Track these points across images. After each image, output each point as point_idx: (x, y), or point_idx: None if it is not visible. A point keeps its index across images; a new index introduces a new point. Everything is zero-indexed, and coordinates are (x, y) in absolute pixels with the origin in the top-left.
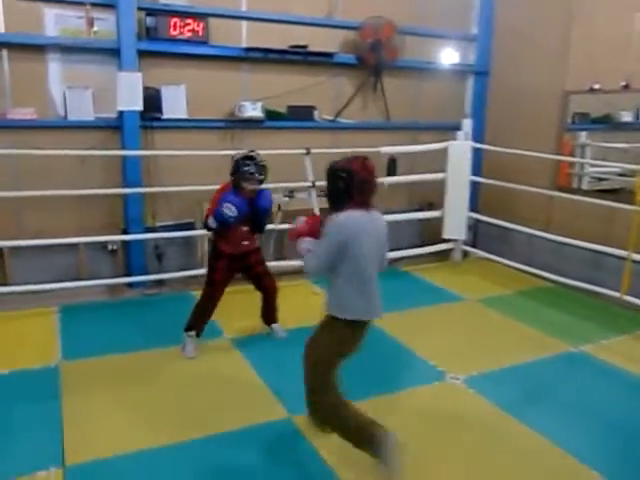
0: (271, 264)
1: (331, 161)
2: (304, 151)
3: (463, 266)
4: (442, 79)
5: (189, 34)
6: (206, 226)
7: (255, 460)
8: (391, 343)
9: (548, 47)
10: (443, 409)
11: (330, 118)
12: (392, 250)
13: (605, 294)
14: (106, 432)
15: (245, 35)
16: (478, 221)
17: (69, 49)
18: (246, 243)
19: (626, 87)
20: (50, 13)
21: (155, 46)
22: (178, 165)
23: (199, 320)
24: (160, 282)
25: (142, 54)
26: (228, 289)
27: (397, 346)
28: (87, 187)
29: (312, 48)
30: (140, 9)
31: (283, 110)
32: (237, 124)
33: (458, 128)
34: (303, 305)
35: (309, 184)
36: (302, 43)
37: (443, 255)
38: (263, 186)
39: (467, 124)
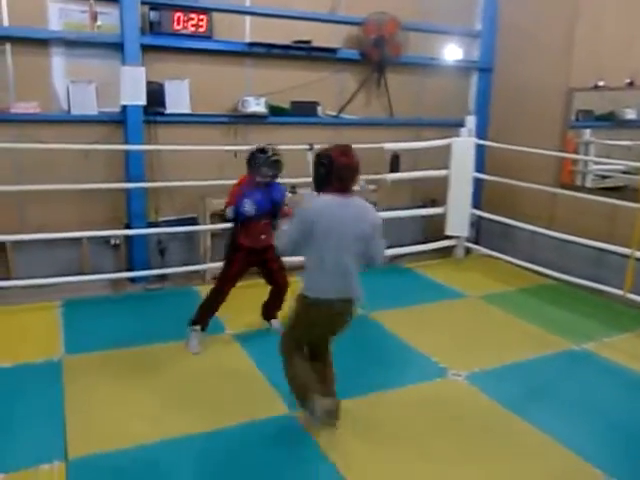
0: None
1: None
2: (307, 147)
3: (465, 263)
4: (446, 75)
5: (192, 29)
6: (225, 218)
7: (256, 455)
8: (393, 339)
9: (552, 44)
10: (445, 406)
11: (333, 114)
12: (395, 246)
13: (608, 292)
14: (109, 426)
15: (249, 30)
16: (481, 218)
17: (72, 43)
18: (264, 237)
19: (631, 84)
20: (54, 7)
21: (158, 41)
22: (181, 160)
23: (205, 314)
24: (162, 277)
25: (145, 48)
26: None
27: (399, 342)
28: (90, 181)
29: (315, 43)
30: (144, 3)
31: (286, 106)
32: (240, 119)
33: (461, 125)
34: None
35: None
36: (305, 38)
37: (446, 252)
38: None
39: (471, 121)
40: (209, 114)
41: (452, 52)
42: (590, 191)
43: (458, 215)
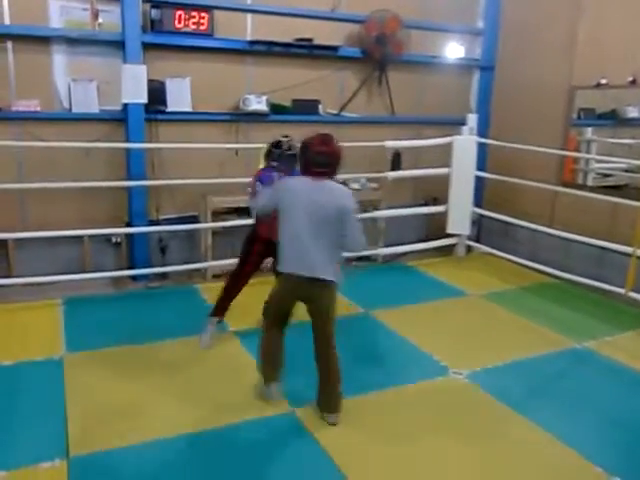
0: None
1: None
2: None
3: (467, 261)
4: (447, 73)
5: (194, 27)
6: (251, 212)
7: (257, 453)
8: (394, 338)
9: (555, 42)
10: (446, 404)
11: (335, 112)
12: (396, 245)
13: (610, 290)
14: (110, 423)
15: (250, 28)
16: (482, 216)
17: (74, 41)
18: None
19: (633, 82)
20: (55, 5)
21: (160, 39)
22: (182, 158)
23: (222, 304)
24: (164, 275)
25: (147, 47)
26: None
27: (400, 341)
28: (91, 179)
29: (317, 41)
30: (145, 1)
31: (288, 104)
32: (242, 117)
33: (463, 123)
34: None
35: None
36: (307, 36)
37: (447, 250)
38: None
39: (472, 119)
40: (210, 112)
41: (454, 50)
42: (592, 189)
43: (459, 213)
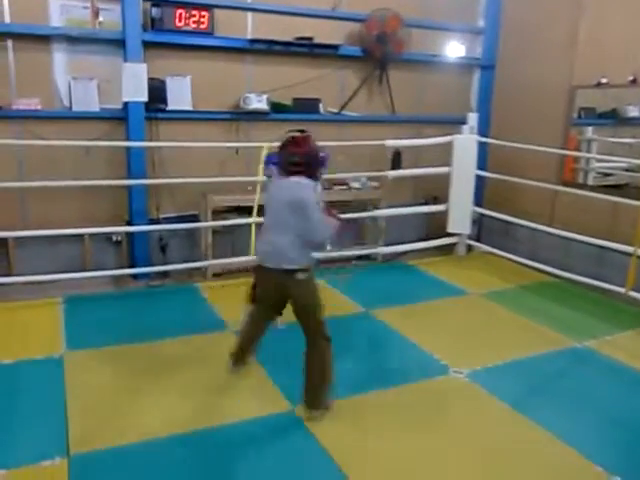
0: None
1: None
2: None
3: (467, 260)
4: (448, 72)
5: (194, 25)
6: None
7: (257, 452)
8: (395, 337)
9: (555, 41)
10: (446, 403)
11: (335, 111)
12: (397, 244)
13: (610, 289)
14: (110, 421)
15: (250, 27)
16: (482, 215)
17: (74, 40)
18: None
19: (634, 82)
20: (55, 3)
21: (160, 37)
22: (182, 157)
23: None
24: (164, 274)
25: (147, 45)
26: (224, 282)
27: (400, 340)
28: (92, 178)
29: (317, 40)
30: (145, 0)
31: (288, 102)
32: (242, 116)
33: (463, 122)
34: None
35: None
36: (307, 35)
37: (447, 249)
38: None
39: (472, 118)
40: (211, 111)
41: (454, 49)
42: (592, 189)
43: (460, 212)
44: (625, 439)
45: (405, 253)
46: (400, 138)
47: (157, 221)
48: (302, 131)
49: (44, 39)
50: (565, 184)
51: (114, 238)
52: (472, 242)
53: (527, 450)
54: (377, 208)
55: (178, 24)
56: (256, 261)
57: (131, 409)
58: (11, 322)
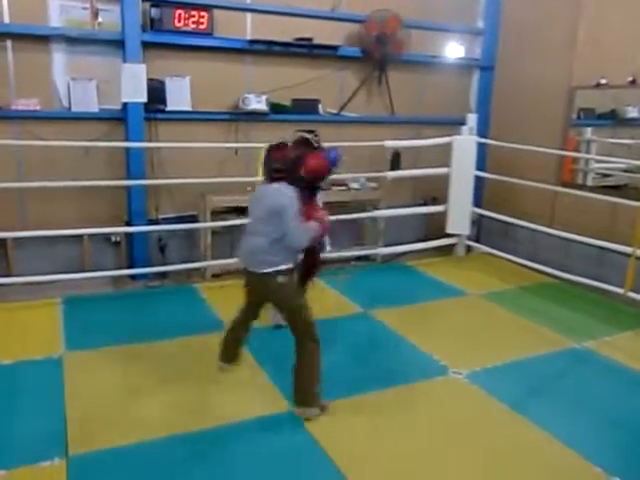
0: None
1: None
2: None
3: (466, 261)
4: (447, 73)
5: (193, 26)
6: None
7: (257, 453)
8: (394, 337)
9: (555, 42)
10: (445, 404)
11: (334, 111)
12: (396, 244)
13: (609, 290)
14: (109, 422)
15: (250, 27)
16: (482, 216)
17: (73, 40)
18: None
19: (633, 82)
20: (55, 4)
21: (159, 38)
22: (181, 157)
23: None
24: (163, 274)
25: (146, 46)
26: (223, 283)
27: (400, 341)
28: (91, 179)
29: (317, 41)
30: (145, 0)
31: (287, 103)
32: (241, 117)
33: (463, 123)
34: None
35: None
36: (307, 36)
37: (446, 250)
38: None
39: (472, 119)
40: (210, 111)
41: (454, 50)
42: (591, 189)
43: (459, 213)
44: (624, 440)
45: (404, 254)
46: (399, 139)
47: (156, 222)
48: (312, 131)
49: (43, 39)
50: (564, 185)
51: (113, 239)
52: (471, 243)
53: (526, 451)
54: (376, 209)
55: (177, 25)
56: (239, 264)
57: (130, 410)
58: (10, 323)
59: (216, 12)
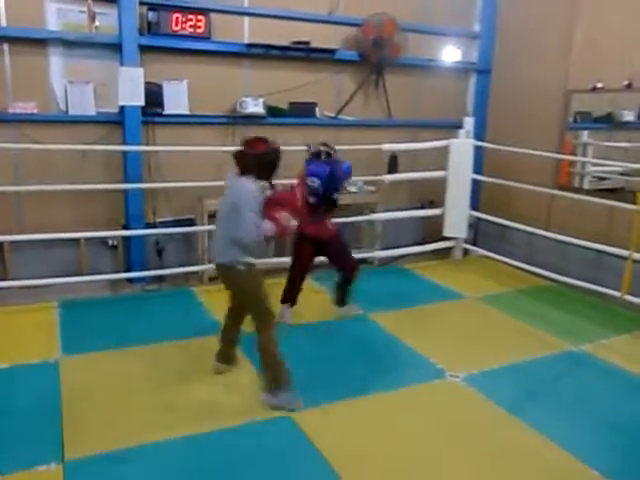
0: (272, 260)
1: None
2: (305, 148)
3: (463, 264)
4: (444, 77)
5: (191, 30)
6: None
7: (252, 454)
8: (391, 340)
9: (551, 45)
10: (442, 407)
11: (332, 115)
12: (393, 247)
13: (605, 293)
14: (106, 427)
15: (247, 31)
16: (479, 219)
17: (71, 43)
18: (317, 225)
19: (629, 86)
20: (52, 7)
21: (157, 41)
22: (179, 161)
23: (287, 292)
24: (160, 278)
25: (144, 49)
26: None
27: (397, 343)
28: (88, 182)
29: (314, 44)
30: (142, 4)
31: (285, 106)
32: (238, 120)
33: (460, 126)
34: (301, 302)
35: None
36: (304, 39)
37: (444, 253)
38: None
39: (469, 122)
40: (207, 115)
41: (450, 53)
42: (588, 193)
43: (456, 216)
44: (621, 443)
45: (401, 257)
46: (396, 142)
47: (153, 225)
48: (324, 144)
49: (40, 43)
50: (561, 188)
51: (110, 242)
52: (468, 246)
53: (523, 454)
54: (373, 212)
55: (175, 28)
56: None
57: (127, 414)
58: (7, 326)
59: (213, 16)
